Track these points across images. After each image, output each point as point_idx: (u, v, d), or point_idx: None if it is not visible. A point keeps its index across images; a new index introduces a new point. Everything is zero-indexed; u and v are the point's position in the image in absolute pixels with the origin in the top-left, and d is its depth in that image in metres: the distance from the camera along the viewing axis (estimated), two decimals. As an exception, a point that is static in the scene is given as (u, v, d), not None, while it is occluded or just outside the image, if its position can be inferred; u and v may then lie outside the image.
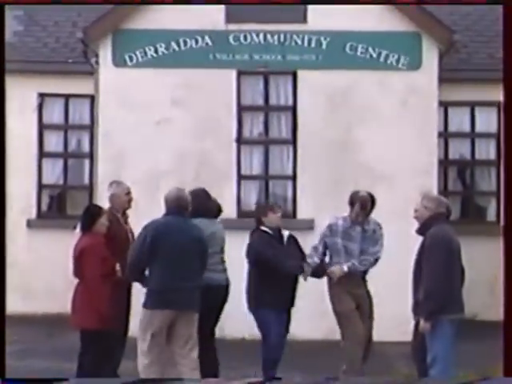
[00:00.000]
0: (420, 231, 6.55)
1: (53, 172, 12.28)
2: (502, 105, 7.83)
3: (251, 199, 10.87)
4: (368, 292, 7.72)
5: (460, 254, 6.47)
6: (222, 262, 7.42)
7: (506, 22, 6.62)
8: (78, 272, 7.13)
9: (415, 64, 10.55)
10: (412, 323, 6.56)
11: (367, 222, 7.75)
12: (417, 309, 6.39)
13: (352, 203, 7.75)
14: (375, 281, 9.93)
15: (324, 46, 10.57)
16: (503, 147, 6.92)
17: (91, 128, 11.84)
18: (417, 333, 6.43)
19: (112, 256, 7.17)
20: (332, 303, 7.56)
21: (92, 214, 7.27)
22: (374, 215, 10.45)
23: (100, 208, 7.43)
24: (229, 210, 10.53)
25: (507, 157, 6.70)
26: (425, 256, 6.32)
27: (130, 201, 7.88)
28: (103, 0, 10.23)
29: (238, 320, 9.92)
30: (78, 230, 7.38)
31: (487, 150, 11.92)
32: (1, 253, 6.90)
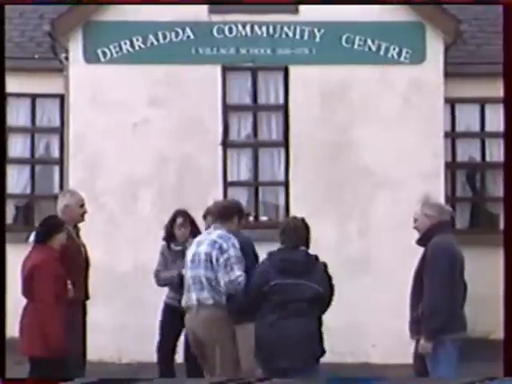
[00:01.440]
0: (421, 242, 6.59)
1: (19, 180, 12.27)
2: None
3: (239, 208, 10.88)
4: None
5: (463, 267, 6.51)
6: None
7: (506, 21, 6.73)
8: (27, 291, 7.00)
9: (419, 57, 10.62)
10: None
11: None
12: (416, 327, 6.42)
13: None
14: (376, 297, 9.99)
15: (318, 39, 10.63)
16: (504, 150, 6.98)
17: (61, 131, 11.84)
18: (418, 354, 6.47)
19: (65, 274, 7.11)
20: None
21: (50, 226, 7.19)
22: (376, 223, 10.54)
23: (61, 223, 7.29)
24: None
25: (507, 160, 6.75)
26: (427, 269, 6.35)
27: (83, 214, 7.86)
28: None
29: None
30: (30, 240, 7.33)
31: (499, 152, 11.94)
32: (1, 253, 6.92)
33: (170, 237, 8.10)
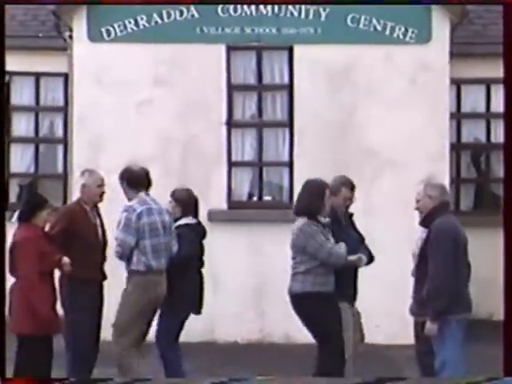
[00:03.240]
0: (424, 223, 6.60)
1: (23, 159, 12.29)
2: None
3: (243, 188, 10.90)
4: None
5: (467, 247, 6.53)
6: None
7: (506, 21, 6.73)
8: (13, 269, 7.06)
9: (424, 37, 10.58)
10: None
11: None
12: (420, 309, 6.43)
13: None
14: (380, 278, 10.00)
15: (323, 18, 10.59)
16: (504, 134, 6.97)
17: (65, 110, 11.85)
18: (421, 335, 6.49)
19: (54, 251, 7.13)
20: None
21: (34, 204, 7.23)
22: (380, 204, 10.54)
23: (44, 200, 7.34)
24: (218, 201, 10.59)
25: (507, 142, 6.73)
26: (431, 250, 6.36)
27: (101, 194, 7.84)
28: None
29: (229, 323, 10.02)
30: (14, 219, 7.37)
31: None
32: (1, 253, 6.96)
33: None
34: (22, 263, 6.98)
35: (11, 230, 7.23)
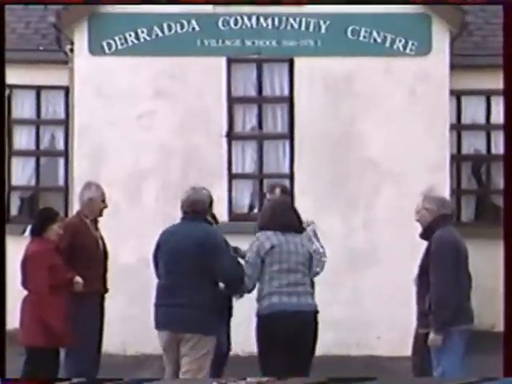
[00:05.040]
0: (423, 236, 6.62)
1: (23, 172, 12.28)
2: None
3: (243, 200, 10.90)
4: None
5: (467, 258, 6.53)
6: (298, 284, 6.52)
7: (506, 21, 6.73)
8: (25, 282, 7.15)
9: (424, 49, 10.60)
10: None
11: None
12: (423, 320, 6.43)
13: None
14: (382, 290, 9.98)
15: (323, 31, 10.61)
16: (504, 145, 6.97)
17: (66, 123, 11.86)
18: (417, 346, 6.48)
19: (65, 265, 7.18)
20: None
21: (44, 218, 7.29)
22: (381, 215, 10.53)
23: (56, 213, 7.42)
24: (219, 213, 10.57)
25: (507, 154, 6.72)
26: (433, 262, 6.37)
27: (103, 208, 7.86)
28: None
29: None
30: (26, 234, 7.40)
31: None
32: (1, 253, 6.97)
33: None
34: (33, 277, 7.06)
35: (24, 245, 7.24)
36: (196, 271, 6.34)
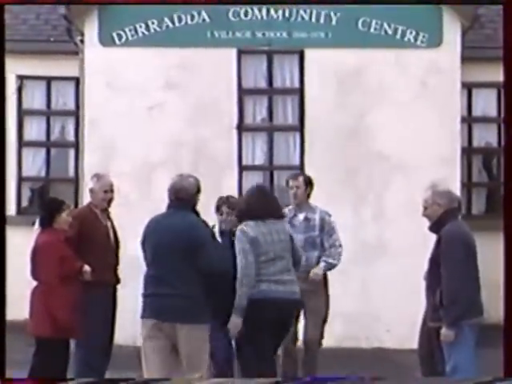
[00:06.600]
0: (434, 229, 6.60)
1: (34, 163, 12.32)
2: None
3: (254, 192, 10.89)
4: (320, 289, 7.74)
5: (476, 252, 6.53)
6: (284, 271, 6.65)
7: (506, 21, 6.72)
8: (34, 273, 7.17)
9: (435, 41, 10.57)
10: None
11: (311, 210, 7.79)
12: (434, 314, 6.42)
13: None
14: (391, 283, 9.97)
15: (334, 22, 10.59)
16: (504, 140, 6.94)
17: (76, 114, 11.87)
18: (424, 340, 6.49)
19: (75, 255, 7.19)
20: None
21: (52, 208, 7.29)
22: (391, 208, 10.52)
23: (62, 202, 7.41)
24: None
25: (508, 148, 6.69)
26: (443, 257, 6.36)
27: (109, 200, 7.80)
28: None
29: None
30: (36, 226, 7.41)
31: (516, 137, 11.91)
32: (1, 253, 6.99)
33: None
34: (42, 267, 7.08)
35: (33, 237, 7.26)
36: (180, 263, 6.26)
